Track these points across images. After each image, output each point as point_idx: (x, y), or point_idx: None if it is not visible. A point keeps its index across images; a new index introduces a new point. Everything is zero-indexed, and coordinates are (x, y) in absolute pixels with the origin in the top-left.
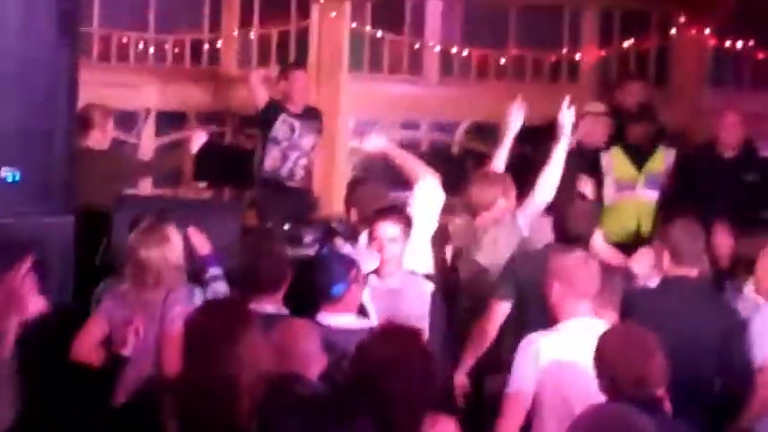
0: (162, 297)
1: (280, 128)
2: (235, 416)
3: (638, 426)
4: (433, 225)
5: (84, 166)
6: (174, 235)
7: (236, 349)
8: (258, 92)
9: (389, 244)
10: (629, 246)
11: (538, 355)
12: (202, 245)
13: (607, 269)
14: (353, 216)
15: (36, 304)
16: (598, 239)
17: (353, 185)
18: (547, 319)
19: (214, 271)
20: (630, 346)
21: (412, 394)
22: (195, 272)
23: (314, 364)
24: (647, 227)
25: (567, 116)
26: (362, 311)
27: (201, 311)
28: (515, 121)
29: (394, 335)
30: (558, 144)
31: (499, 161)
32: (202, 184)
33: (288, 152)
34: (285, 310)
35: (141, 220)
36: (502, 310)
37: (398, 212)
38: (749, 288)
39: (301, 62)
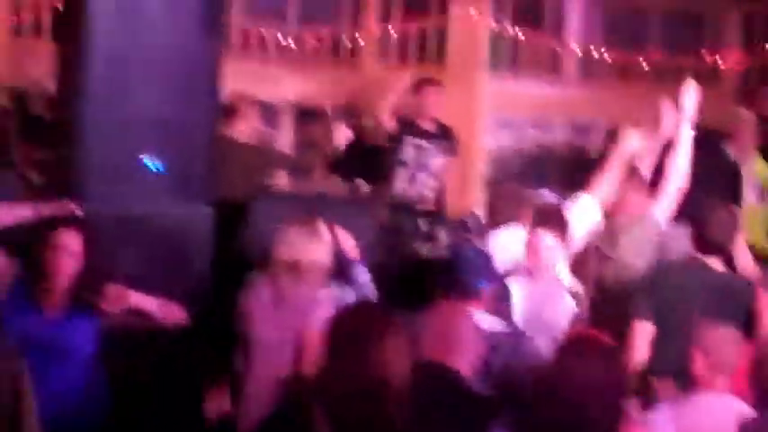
0: (311, 294)
1: (406, 150)
2: (386, 418)
3: None
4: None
5: (227, 157)
6: (325, 233)
7: (384, 351)
8: (386, 121)
9: (545, 251)
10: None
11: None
12: (350, 247)
13: None
14: (492, 215)
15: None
16: (740, 247)
17: (494, 186)
18: (686, 334)
19: (362, 273)
20: None
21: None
22: (341, 270)
23: (469, 352)
24: None
25: (689, 99)
26: None
27: (349, 313)
28: (668, 125)
29: (596, 355)
30: (683, 128)
31: (645, 166)
32: (338, 178)
33: (416, 173)
34: None
35: (284, 216)
36: (645, 330)
37: (559, 220)
38: None
39: (440, 59)
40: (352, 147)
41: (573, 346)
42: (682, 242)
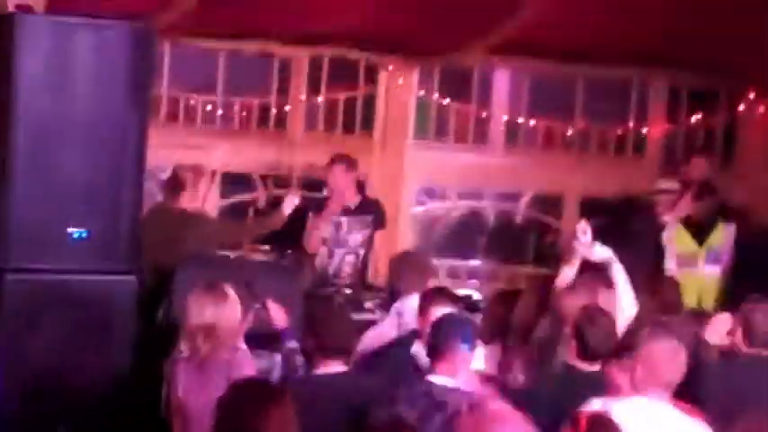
0: (228, 357)
1: (324, 227)
2: None
3: None
4: None
5: (176, 227)
6: (232, 294)
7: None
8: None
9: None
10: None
11: None
12: (280, 317)
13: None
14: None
15: None
16: None
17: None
18: None
19: (291, 344)
20: None
21: None
22: (270, 339)
23: None
24: (708, 302)
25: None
26: None
27: (235, 388)
28: (584, 249)
29: None
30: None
31: (564, 279)
32: (265, 247)
33: (334, 249)
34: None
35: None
36: None
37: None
38: None
39: (367, 128)
40: None
41: None
42: None
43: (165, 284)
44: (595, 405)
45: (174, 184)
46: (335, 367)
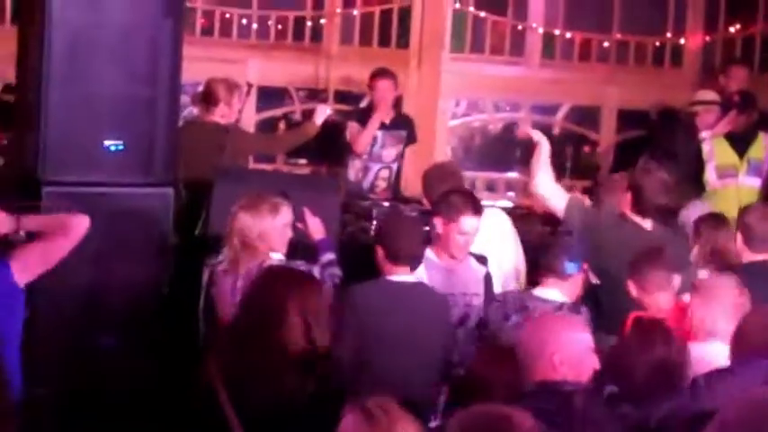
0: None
1: (366, 139)
2: (279, 386)
3: None
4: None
5: (210, 140)
6: (285, 206)
7: (287, 313)
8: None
9: (473, 237)
10: None
11: None
12: (318, 229)
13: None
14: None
15: None
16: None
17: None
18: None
19: (329, 256)
20: None
21: None
22: (308, 250)
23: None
24: None
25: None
26: None
27: (268, 270)
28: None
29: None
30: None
31: (543, 179)
32: (301, 161)
33: (369, 164)
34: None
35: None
36: None
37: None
38: None
39: (403, 41)
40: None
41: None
42: None
43: (201, 198)
44: None
45: (209, 98)
46: (404, 275)
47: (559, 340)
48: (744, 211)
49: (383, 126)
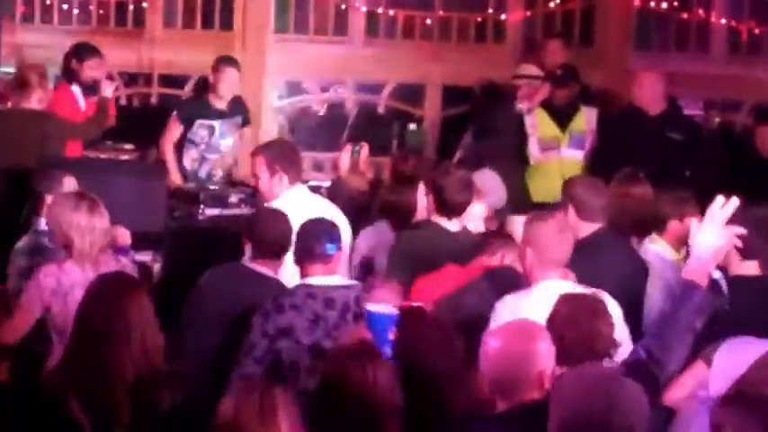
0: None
1: (197, 132)
2: (112, 389)
3: (626, 387)
4: None
5: (22, 126)
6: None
7: (125, 314)
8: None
9: None
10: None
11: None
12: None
13: None
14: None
15: None
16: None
17: None
18: None
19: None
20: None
21: None
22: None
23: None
24: None
25: None
26: None
27: (101, 278)
28: None
29: None
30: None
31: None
32: (128, 146)
33: (206, 155)
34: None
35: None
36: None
37: None
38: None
39: (227, 24)
40: (139, 113)
41: None
42: None
43: (23, 187)
44: (507, 301)
45: (22, 85)
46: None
47: None
48: (569, 183)
49: (221, 115)
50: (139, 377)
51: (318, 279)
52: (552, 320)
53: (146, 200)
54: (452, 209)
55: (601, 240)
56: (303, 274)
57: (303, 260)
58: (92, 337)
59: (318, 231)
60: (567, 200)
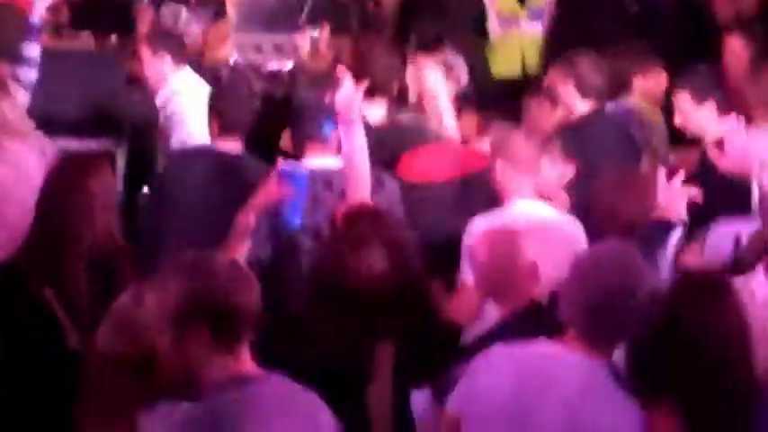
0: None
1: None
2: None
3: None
4: None
5: None
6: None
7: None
8: None
9: None
10: (516, 81)
11: None
12: None
13: None
14: None
15: None
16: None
17: None
18: None
19: None
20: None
21: None
22: None
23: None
24: (532, 60)
25: None
26: None
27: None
28: None
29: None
30: None
31: None
32: (85, 34)
33: None
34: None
35: None
36: None
37: None
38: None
39: None
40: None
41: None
42: None
43: None
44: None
45: None
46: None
47: None
48: (572, 58)
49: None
50: (100, 250)
51: (317, 161)
52: None
53: (104, 89)
54: None
55: (594, 121)
56: (300, 155)
57: (301, 141)
58: (54, 212)
59: (314, 112)
60: (568, 75)
